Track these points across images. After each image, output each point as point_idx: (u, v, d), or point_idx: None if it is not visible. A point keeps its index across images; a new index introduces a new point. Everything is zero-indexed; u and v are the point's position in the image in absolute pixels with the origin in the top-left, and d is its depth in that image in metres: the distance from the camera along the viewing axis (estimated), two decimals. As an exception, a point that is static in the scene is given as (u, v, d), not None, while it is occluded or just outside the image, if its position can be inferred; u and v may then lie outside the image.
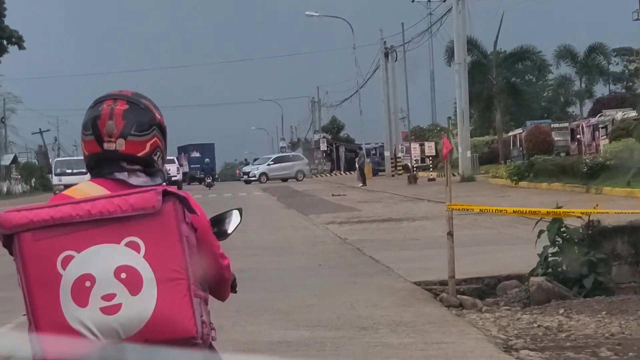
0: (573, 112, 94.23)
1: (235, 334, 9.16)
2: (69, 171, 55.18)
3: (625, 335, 8.88)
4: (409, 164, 64.52)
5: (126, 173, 3.39)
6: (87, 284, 3.07)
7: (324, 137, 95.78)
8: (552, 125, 53.83)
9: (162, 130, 3.48)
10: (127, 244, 3.11)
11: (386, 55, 67.82)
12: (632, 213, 12.25)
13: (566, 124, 54.77)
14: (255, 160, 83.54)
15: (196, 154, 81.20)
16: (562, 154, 45.61)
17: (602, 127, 45.84)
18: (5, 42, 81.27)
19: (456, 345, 8.52)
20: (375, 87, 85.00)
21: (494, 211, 10.91)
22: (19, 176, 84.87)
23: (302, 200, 37.53)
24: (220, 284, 3.56)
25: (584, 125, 49.20)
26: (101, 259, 3.09)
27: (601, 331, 9.09)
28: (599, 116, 48.38)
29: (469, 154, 45.92)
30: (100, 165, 3.42)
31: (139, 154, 3.40)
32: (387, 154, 68.55)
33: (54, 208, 3.14)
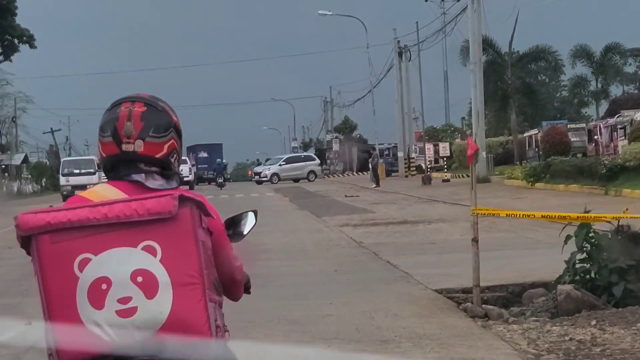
0: (586, 112, 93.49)
1: (248, 348, 8.60)
2: (77, 171, 54.39)
3: (664, 350, 8.31)
4: (423, 165, 63.98)
5: (143, 175, 3.41)
6: (104, 286, 3.13)
7: (336, 137, 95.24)
8: (568, 126, 53.10)
9: (178, 132, 3.51)
10: (144, 248, 3.15)
11: (400, 54, 67.26)
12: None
13: (583, 125, 54.06)
14: (267, 160, 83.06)
15: (204, 154, 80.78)
16: (579, 155, 44.91)
17: (620, 128, 45.14)
18: (16, 41, 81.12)
19: (485, 361, 7.97)
20: (388, 87, 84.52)
21: (521, 216, 10.33)
22: (30, 176, 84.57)
23: (315, 202, 36.98)
24: (233, 286, 3.59)
25: (601, 126, 48.47)
26: (118, 262, 3.14)
27: (638, 345, 8.51)
28: (618, 116, 47.66)
29: (484, 154, 45.30)
30: (118, 166, 3.44)
31: (157, 156, 3.43)
32: (400, 154, 67.94)
33: (71, 211, 3.18)
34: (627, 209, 11.63)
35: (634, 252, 10.97)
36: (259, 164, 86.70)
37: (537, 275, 12.48)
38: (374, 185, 50.18)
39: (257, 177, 72.50)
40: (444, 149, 54.94)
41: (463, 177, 54.72)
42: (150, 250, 3.16)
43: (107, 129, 3.44)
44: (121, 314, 3.13)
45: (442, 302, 11.03)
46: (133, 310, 3.13)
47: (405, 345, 8.60)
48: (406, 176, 64.96)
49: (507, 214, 10.49)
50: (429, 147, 57.16)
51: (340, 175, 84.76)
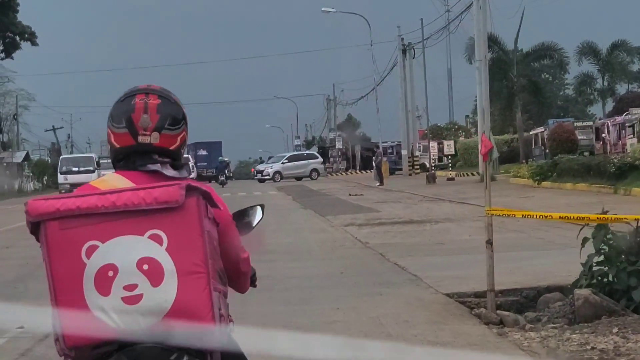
0: (589, 111, 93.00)
1: (251, 336, 8.09)
2: (76, 169, 53.60)
3: (694, 361, 7.82)
4: (427, 163, 63.48)
5: (159, 165, 3.47)
6: (110, 273, 3.18)
7: (339, 135, 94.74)
8: (575, 124, 52.52)
9: (187, 125, 3.59)
10: (151, 237, 3.20)
11: (404, 52, 66.73)
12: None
13: (590, 123, 53.48)
14: (269, 158, 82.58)
15: (203, 152, 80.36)
16: (586, 154, 44.37)
17: (629, 126, 44.57)
18: (17, 38, 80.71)
19: (503, 372, 7.49)
20: (391, 84, 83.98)
21: (538, 217, 9.83)
22: (31, 174, 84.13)
23: (319, 200, 36.48)
24: (239, 277, 3.64)
25: (609, 124, 47.91)
26: (124, 250, 3.19)
27: (665, 355, 8.02)
28: (626, 114, 47.09)
29: (496, 152, 44.72)
30: (130, 157, 3.49)
31: (171, 148, 3.50)
32: (404, 152, 67.47)
33: (80, 198, 3.23)
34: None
35: (655, 255, 10.49)
36: (262, 162, 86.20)
37: (551, 279, 11.99)
38: (378, 184, 49.71)
39: (259, 176, 72.00)
40: (449, 147, 54.39)
41: (468, 175, 54.24)
42: (157, 239, 3.21)
43: (121, 120, 3.48)
44: (127, 300, 3.18)
45: (454, 307, 10.53)
46: (139, 298, 3.18)
47: (417, 354, 8.10)
48: (410, 174, 64.49)
49: (523, 215, 9.98)
50: (433, 145, 56.60)
51: (343, 173, 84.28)
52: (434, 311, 10.22)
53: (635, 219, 10.13)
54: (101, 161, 61.96)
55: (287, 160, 73.70)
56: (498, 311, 9.96)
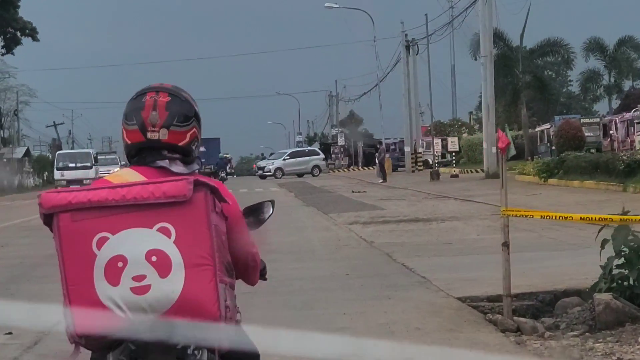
0: (592, 108, 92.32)
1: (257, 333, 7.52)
2: (73, 165, 52.35)
3: None
4: (430, 160, 62.87)
5: (167, 161, 3.57)
6: (120, 264, 3.29)
7: (341, 132, 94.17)
8: (581, 121, 51.85)
9: (199, 121, 3.66)
10: (159, 229, 3.29)
11: (407, 48, 66.10)
12: None
13: (596, 119, 52.81)
14: (271, 154, 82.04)
15: (201, 149, 79.66)
16: (592, 151, 43.72)
17: (637, 123, 43.91)
18: (18, 33, 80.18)
19: (525, 387, 6.91)
20: (394, 81, 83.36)
21: (558, 218, 9.25)
22: (32, 170, 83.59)
23: (321, 197, 35.91)
24: (249, 270, 3.72)
25: (617, 121, 47.21)
26: (134, 242, 3.29)
27: (698, 368, 7.45)
28: (635, 111, 46.42)
29: (494, 149, 44.13)
30: (142, 153, 3.60)
31: (180, 144, 3.59)
32: (407, 149, 66.88)
33: (92, 191, 3.34)
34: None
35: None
36: (263, 158, 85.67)
37: (568, 282, 11.42)
38: (381, 181, 49.21)
39: (260, 172, 71.45)
40: (453, 143, 53.75)
41: (472, 172, 53.68)
42: (165, 232, 3.30)
43: (132, 117, 3.59)
44: (135, 291, 3.27)
45: (467, 312, 9.94)
46: (147, 288, 3.27)
47: (432, 367, 7.53)
48: (413, 171, 63.96)
49: (542, 216, 9.40)
50: (437, 142, 56.02)
51: (345, 170, 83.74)
52: (447, 317, 9.64)
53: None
54: (99, 157, 61.10)
55: (288, 157, 73.25)
56: (515, 317, 9.38)
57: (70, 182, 50.45)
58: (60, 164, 52.74)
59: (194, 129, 3.66)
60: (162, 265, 3.30)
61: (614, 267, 9.95)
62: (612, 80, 63.02)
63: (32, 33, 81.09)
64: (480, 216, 22.71)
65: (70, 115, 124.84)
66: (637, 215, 10.04)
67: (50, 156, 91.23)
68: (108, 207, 3.33)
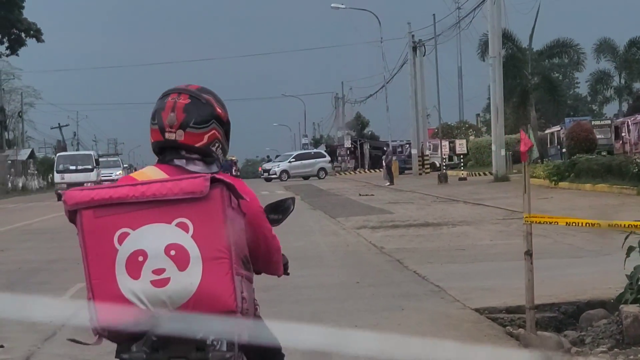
0: (600, 109, 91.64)
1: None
2: (73, 168, 50.81)
3: None
4: (437, 162, 62.23)
5: (184, 160, 3.77)
6: (140, 258, 3.46)
7: (347, 134, 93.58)
8: (592, 123, 51.14)
9: (222, 124, 3.82)
10: (178, 224, 3.46)
11: (414, 49, 65.49)
12: None
13: (608, 121, 52.14)
14: (276, 157, 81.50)
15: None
16: (603, 153, 43.05)
17: (651, 125, 43.25)
18: (23, 34, 79.79)
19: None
20: (400, 83, 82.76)
21: (584, 225, 8.66)
22: (36, 172, 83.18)
23: (328, 200, 35.32)
24: (271, 263, 3.95)
25: (629, 123, 46.50)
26: (153, 237, 3.45)
27: None
28: (649, 113, 45.74)
29: (503, 152, 43.54)
30: (164, 152, 3.80)
31: (197, 145, 3.77)
32: (414, 151, 66.27)
33: (113, 188, 3.52)
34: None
35: None
36: (269, 161, 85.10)
37: (591, 292, 10.84)
38: (388, 184, 48.63)
39: (266, 174, 70.86)
40: (461, 146, 53.05)
41: (480, 175, 53.07)
42: (183, 227, 3.42)
43: (155, 117, 3.74)
44: (155, 284, 3.40)
45: (486, 325, 9.36)
46: (166, 281, 3.39)
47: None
48: (420, 174, 63.37)
49: (567, 222, 8.82)
50: (445, 144, 55.39)
51: (351, 172, 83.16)
52: (465, 331, 9.06)
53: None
54: (101, 159, 60.08)
55: (294, 159, 72.72)
56: (539, 332, 8.79)
57: (70, 185, 49.25)
58: (61, 167, 50.87)
59: (213, 131, 3.77)
60: (180, 258, 3.43)
61: (640, 277, 9.38)
62: (623, 81, 62.26)
63: (37, 34, 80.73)
64: (492, 220, 22.13)
65: (76, 117, 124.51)
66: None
67: (54, 158, 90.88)
68: (129, 203, 3.47)
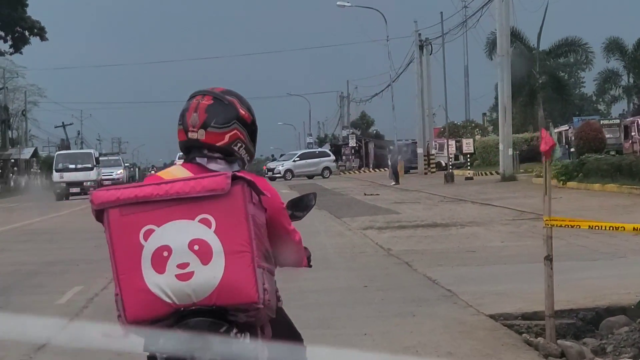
0: (604, 109, 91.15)
1: None
2: (73, 167, 49.65)
3: None
4: (443, 162, 61.75)
5: (206, 159, 3.92)
6: (165, 254, 3.61)
7: (352, 133, 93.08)
8: (601, 122, 50.56)
9: (246, 125, 3.97)
10: (200, 221, 3.61)
11: (421, 47, 64.97)
12: None
13: (617, 121, 51.57)
14: (281, 156, 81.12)
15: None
16: (612, 153, 42.49)
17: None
18: (26, 33, 79.40)
19: None
20: (406, 81, 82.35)
21: (608, 228, 8.19)
22: (39, 170, 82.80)
23: (333, 200, 34.85)
24: (293, 255, 4.12)
25: (639, 122, 45.91)
26: (177, 233, 3.61)
27: None
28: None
29: (510, 151, 43.02)
30: (188, 151, 3.97)
31: (218, 144, 3.92)
32: (419, 150, 65.79)
33: (138, 188, 3.68)
34: None
35: None
36: (274, 160, 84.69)
37: (609, 297, 10.36)
38: (394, 183, 48.17)
39: (270, 174, 70.42)
40: (468, 145, 52.50)
41: (486, 174, 52.55)
42: (206, 223, 3.61)
43: (180, 117, 3.95)
44: (180, 277, 3.58)
45: (503, 334, 8.87)
46: (190, 275, 3.58)
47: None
48: (425, 173, 62.92)
49: (589, 226, 8.35)
50: (451, 144, 54.92)
51: (356, 171, 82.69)
52: (480, 339, 8.58)
53: None
54: (101, 158, 59.20)
55: (298, 158, 72.37)
56: (559, 341, 8.31)
57: (69, 184, 48.55)
58: (60, 165, 49.47)
59: (235, 131, 3.91)
60: (204, 253, 3.57)
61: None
62: (632, 80, 61.62)
63: (41, 32, 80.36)
64: (502, 221, 21.65)
65: (80, 116, 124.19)
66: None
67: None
68: (153, 201, 3.61)
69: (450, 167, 51.16)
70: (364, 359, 7.84)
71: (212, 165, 3.92)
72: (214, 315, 3.65)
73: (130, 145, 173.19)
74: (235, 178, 3.62)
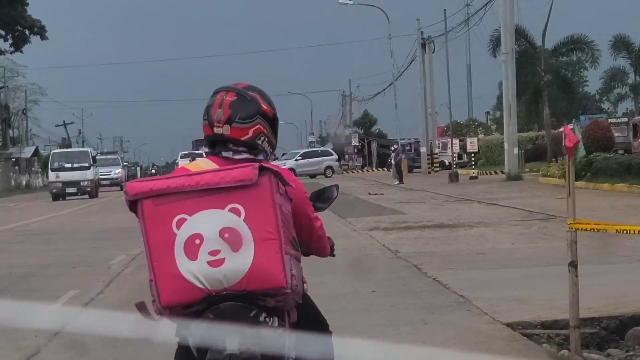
0: (610, 108, 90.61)
1: None
2: (69, 165, 48.62)
3: None
4: (446, 161, 61.21)
5: (231, 152, 4.09)
6: (197, 241, 3.76)
7: (355, 132, 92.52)
8: (609, 121, 49.91)
9: (268, 119, 4.13)
10: (230, 210, 3.77)
11: (423, 46, 64.40)
12: None
13: (625, 119, 50.93)
14: (282, 155, 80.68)
15: (205, 149, 78.55)
16: (620, 152, 41.85)
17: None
18: (27, 31, 78.95)
19: None
20: (408, 80, 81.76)
21: (637, 232, 7.60)
22: (40, 169, 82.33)
23: (337, 200, 34.18)
24: (316, 243, 4.33)
25: (649, 121, 45.26)
26: (209, 221, 3.77)
27: None
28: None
29: (515, 150, 42.45)
30: (214, 145, 4.14)
31: (243, 138, 4.09)
32: (423, 149, 65.25)
33: (170, 179, 3.84)
34: None
35: None
36: (275, 159, 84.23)
37: (632, 304, 9.81)
38: (397, 182, 47.65)
39: (272, 173, 69.92)
40: (472, 144, 51.86)
41: (491, 174, 52.01)
42: (236, 212, 3.77)
43: (205, 113, 4.11)
44: (212, 264, 3.74)
45: (522, 345, 8.31)
46: (221, 261, 3.73)
47: None
48: (429, 172, 62.40)
49: (617, 230, 7.77)
50: (455, 143, 54.35)
51: (359, 171, 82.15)
52: (498, 350, 8.02)
53: None
54: (98, 157, 58.29)
55: (300, 157, 71.99)
56: (584, 354, 7.75)
57: (65, 184, 47.76)
58: (56, 164, 48.25)
59: (258, 126, 4.07)
60: (234, 241, 3.72)
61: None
62: (638, 78, 60.93)
63: (41, 31, 79.95)
64: (510, 222, 21.09)
65: (81, 115, 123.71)
66: None
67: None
68: (185, 192, 3.76)
69: (455, 166, 50.56)
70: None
71: (237, 157, 4.08)
72: (244, 300, 3.76)
73: (132, 144, 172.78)
74: (262, 169, 3.77)
